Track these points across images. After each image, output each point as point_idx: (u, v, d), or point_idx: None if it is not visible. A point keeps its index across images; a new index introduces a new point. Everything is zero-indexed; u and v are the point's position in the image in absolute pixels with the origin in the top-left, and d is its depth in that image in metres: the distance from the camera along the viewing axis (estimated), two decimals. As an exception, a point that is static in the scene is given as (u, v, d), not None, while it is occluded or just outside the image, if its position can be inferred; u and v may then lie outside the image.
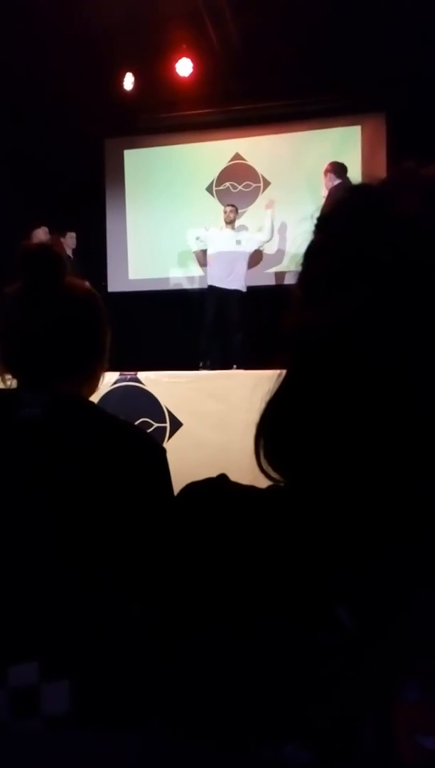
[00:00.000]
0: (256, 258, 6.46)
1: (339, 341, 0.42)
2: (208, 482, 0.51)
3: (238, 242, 6.12)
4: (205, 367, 5.64)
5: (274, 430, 0.48)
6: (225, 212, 6.24)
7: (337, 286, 0.43)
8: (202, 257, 6.66)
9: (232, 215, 6.21)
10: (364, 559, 0.42)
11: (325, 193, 5.50)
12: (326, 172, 5.51)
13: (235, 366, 5.55)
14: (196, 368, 5.31)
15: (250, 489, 0.49)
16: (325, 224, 0.48)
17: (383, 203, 0.44)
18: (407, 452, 0.40)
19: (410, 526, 0.41)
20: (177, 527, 0.49)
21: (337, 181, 5.37)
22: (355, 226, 0.44)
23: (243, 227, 6.36)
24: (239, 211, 6.53)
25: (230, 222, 6.20)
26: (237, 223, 6.32)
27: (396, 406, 0.40)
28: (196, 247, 6.65)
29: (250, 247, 6.20)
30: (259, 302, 5.70)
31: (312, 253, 0.48)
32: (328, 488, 0.44)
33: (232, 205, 6.31)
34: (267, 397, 0.48)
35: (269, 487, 0.48)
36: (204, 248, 6.43)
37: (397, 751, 0.37)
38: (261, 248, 6.42)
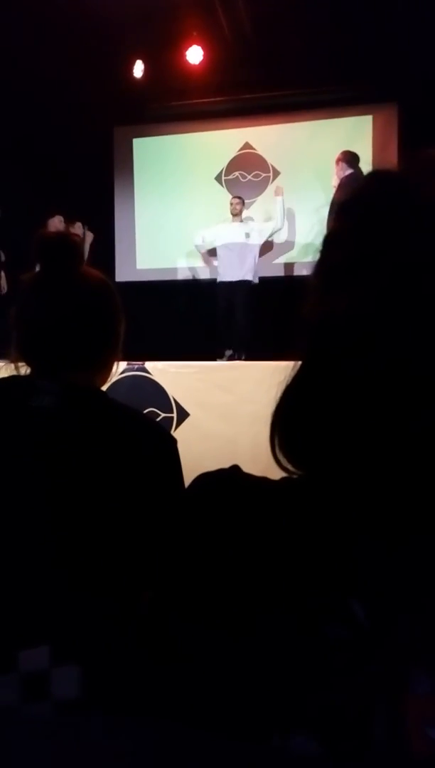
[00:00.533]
0: (265, 248, 6.41)
1: (358, 329, 0.41)
2: (221, 473, 0.50)
3: (247, 234, 6.04)
4: (232, 358, 5.61)
5: (289, 421, 0.48)
6: (231, 204, 6.16)
7: (356, 273, 0.42)
8: (207, 256, 6.62)
9: (238, 207, 6.12)
10: (379, 553, 0.42)
11: (335, 182, 5.45)
12: (338, 161, 5.46)
13: (243, 356, 5.54)
14: (204, 359, 5.30)
15: (264, 480, 0.48)
16: (345, 212, 0.47)
17: (404, 190, 0.43)
18: (426, 443, 0.40)
19: (426, 520, 0.41)
20: (190, 517, 0.49)
21: (348, 171, 5.32)
22: (376, 213, 0.43)
23: (250, 218, 6.31)
24: (248, 201, 6.48)
25: (237, 214, 6.12)
26: (244, 213, 6.26)
27: (415, 396, 0.40)
28: (203, 248, 6.59)
29: (259, 239, 6.11)
30: (268, 293, 5.68)
31: (331, 241, 0.47)
32: (344, 481, 0.44)
33: (239, 197, 6.23)
34: (281, 388, 0.48)
35: (283, 479, 0.48)
36: (210, 247, 6.38)
37: (407, 744, 0.37)
38: (271, 238, 6.34)
